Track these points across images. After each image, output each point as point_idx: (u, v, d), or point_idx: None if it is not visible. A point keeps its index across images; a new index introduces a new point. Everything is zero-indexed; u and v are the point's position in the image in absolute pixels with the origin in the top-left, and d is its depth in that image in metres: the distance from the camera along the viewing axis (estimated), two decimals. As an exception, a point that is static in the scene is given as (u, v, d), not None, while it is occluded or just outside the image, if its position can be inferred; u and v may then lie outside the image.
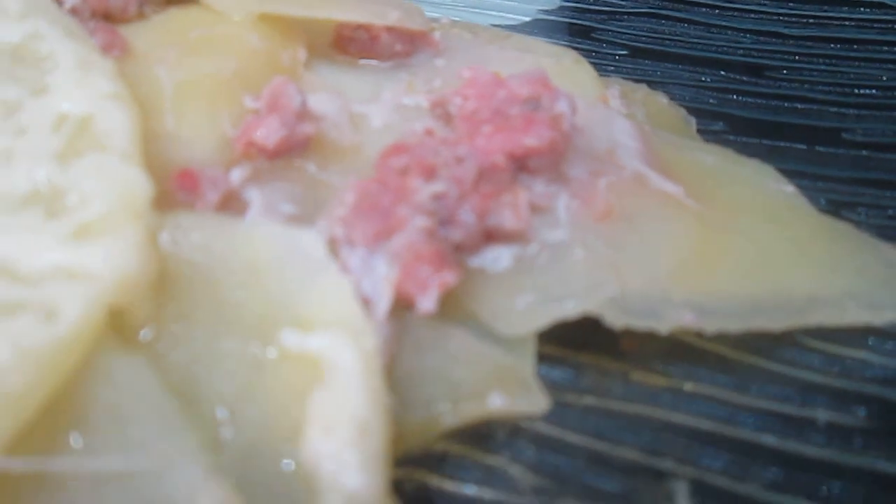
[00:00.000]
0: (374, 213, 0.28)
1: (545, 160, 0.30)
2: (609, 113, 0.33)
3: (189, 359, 0.24)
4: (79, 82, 0.27)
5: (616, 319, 0.27)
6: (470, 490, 0.25)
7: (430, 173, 0.28)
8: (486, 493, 0.25)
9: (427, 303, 0.26)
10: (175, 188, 0.29)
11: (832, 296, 0.28)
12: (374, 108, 0.34)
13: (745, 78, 0.43)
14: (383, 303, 0.26)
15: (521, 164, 0.30)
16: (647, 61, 0.44)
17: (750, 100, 0.42)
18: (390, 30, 0.35)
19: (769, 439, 0.26)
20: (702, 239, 0.30)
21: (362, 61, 0.37)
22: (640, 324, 0.27)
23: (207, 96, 0.31)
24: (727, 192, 0.32)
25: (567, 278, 0.27)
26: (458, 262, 0.27)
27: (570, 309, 0.27)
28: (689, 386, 0.28)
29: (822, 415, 0.27)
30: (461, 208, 0.28)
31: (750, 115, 0.41)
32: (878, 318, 0.29)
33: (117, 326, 0.24)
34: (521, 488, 0.25)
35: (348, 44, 0.36)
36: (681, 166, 0.33)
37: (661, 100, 0.39)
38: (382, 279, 0.27)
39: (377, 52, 0.36)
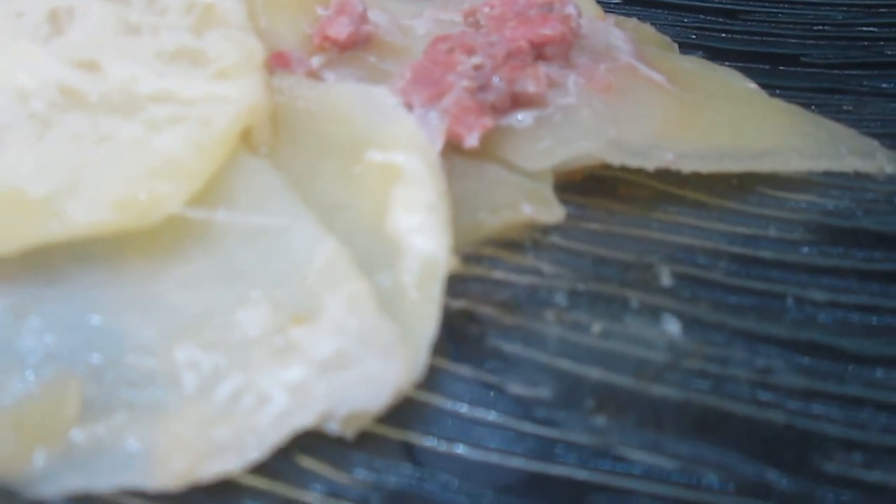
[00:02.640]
0: (428, 82, 0.41)
1: (557, 48, 0.43)
2: (606, 25, 0.47)
3: (297, 173, 0.37)
4: None
5: (614, 158, 0.40)
6: (502, 275, 0.37)
7: (470, 51, 0.41)
8: (519, 279, 0.37)
9: (472, 139, 0.39)
10: (271, 65, 0.41)
11: (780, 148, 0.42)
12: (417, 22, 0.47)
13: (720, 19, 0.57)
14: (438, 143, 0.39)
15: (539, 53, 0.43)
16: (637, 7, 0.57)
17: (724, 34, 0.55)
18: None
19: (733, 248, 0.39)
20: (679, 110, 0.43)
21: (403, -11, 0.50)
22: (633, 162, 0.40)
23: (290, 4, 0.44)
24: (701, 84, 0.46)
25: (577, 128, 0.41)
26: (493, 117, 0.40)
27: (580, 147, 0.40)
28: (673, 217, 0.41)
29: (773, 232, 0.40)
30: (495, 77, 0.41)
31: (724, 45, 0.54)
32: (816, 167, 0.42)
33: (245, 144, 0.37)
34: (544, 274, 0.38)
35: (392, -26, 0.49)
36: (664, 66, 0.46)
37: (648, 28, 0.52)
38: (436, 128, 0.40)
39: None
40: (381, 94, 0.40)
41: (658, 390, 0.33)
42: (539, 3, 0.44)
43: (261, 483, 0.30)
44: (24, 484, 0.29)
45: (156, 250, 0.34)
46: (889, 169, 0.42)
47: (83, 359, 0.32)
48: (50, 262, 0.34)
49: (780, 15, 0.57)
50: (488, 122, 0.40)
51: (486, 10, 0.46)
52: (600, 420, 0.32)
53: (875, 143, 0.43)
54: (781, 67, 0.52)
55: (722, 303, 0.37)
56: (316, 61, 0.43)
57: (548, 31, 0.43)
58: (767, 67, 0.52)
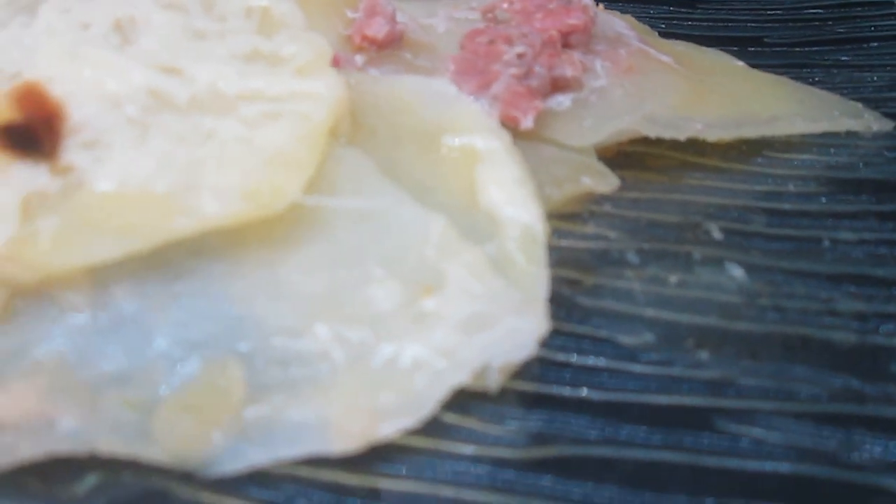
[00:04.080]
0: (474, 72, 0.45)
1: (581, 36, 0.48)
2: (607, 14, 0.52)
3: (379, 161, 0.40)
4: None
5: (650, 131, 0.45)
6: (570, 243, 0.42)
7: (510, 42, 0.46)
8: (589, 245, 0.42)
9: (527, 121, 0.43)
10: (323, 64, 0.44)
11: (785, 114, 0.48)
12: (434, 21, 0.51)
13: (682, 9, 0.63)
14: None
15: (565, 41, 0.48)
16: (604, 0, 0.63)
17: (689, 22, 0.62)
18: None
19: (762, 203, 0.45)
20: (691, 87, 0.49)
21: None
22: (666, 133, 0.46)
23: (322, 8, 0.47)
24: (699, 63, 0.51)
25: (613, 106, 0.46)
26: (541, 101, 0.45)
27: (621, 123, 0.45)
28: (700, 182, 0.46)
29: (792, 187, 0.46)
30: (536, 64, 0.45)
31: (691, 32, 0.60)
32: (817, 128, 0.48)
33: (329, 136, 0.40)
34: (610, 238, 0.42)
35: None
36: (664, 49, 0.52)
37: (630, 18, 0.58)
38: (488, 113, 0.44)
39: None
40: (442, 84, 0.43)
41: (743, 326, 0.38)
42: (557, -4, 0.49)
43: (420, 441, 0.33)
44: (205, 464, 0.31)
45: (271, 239, 0.36)
46: (875, 127, 0.49)
47: (229, 346, 0.34)
48: (171, 260, 0.36)
49: (734, 2, 0.64)
50: (540, 104, 0.44)
51: (506, 5, 0.50)
52: (703, 355, 0.37)
53: (859, 105, 0.50)
54: (750, 49, 0.59)
55: (769, 249, 0.42)
56: (359, 59, 0.47)
57: (573, 20, 0.47)
58: (736, 49, 0.59)
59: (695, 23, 0.63)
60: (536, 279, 0.36)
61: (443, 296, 0.35)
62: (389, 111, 0.42)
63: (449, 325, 0.34)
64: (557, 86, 0.46)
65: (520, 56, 0.45)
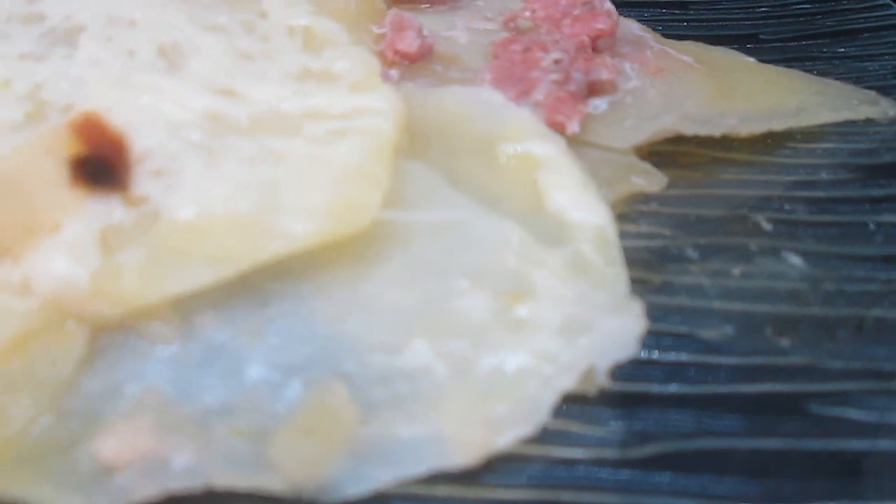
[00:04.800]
0: (513, 79, 0.45)
1: (608, 40, 0.49)
2: (624, 18, 0.53)
3: (441, 171, 0.40)
4: (288, 5, 0.43)
5: (688, 128, 0.46)
6: (628, 243, 0.42)
7: (545, 48, 0.46)
8: (646, 243, 0.42)
9: (573, 126, 0.44)
10: (363, 81, 0.44)
11: (809, 105, 0.50)
12: (455, 33, 0.52)
13: (675, 11, 0.65)
14: (542, 133, 0.44)
15: (593, 46, 0.49)
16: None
17: (685, 23, 0.63)
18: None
19: (800, 193, 0.46)
20: (715, 84, 0.50)
21: (423, 6, 0.54)
22: (703, 130, 0.47)
23: (348, 23, 0.47)
24: (715, 61, 0.53)
25: (651, 106, 0.46)
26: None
27: (661, 122, 0.46)
28: (734, 176, 0.48)
29: (824, 175, 0.48)
30: (573, 69, 0.46)
31: (689, 33, 0.62)
32: (839, 117, 0.50)
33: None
34: (665, 236, 0.43)
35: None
36: (681, 49, 0.53)
37: (634, 22, 0.59)
38: None
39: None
40: (489, 93, 0.43)
41: (815, 311, 0.39)
42: (580, 1, 0.49)
43: (528, 449, 0.33)
44: (326, 490, 0.31)
45: (352, 257, 0.36)
46: (891, 112, 0.51)
47: (329, 367, 0.33)
48: (254, 285, 0.35)
49: (725, 2, 0.66)
50: (584, 108, 0.45)
51: (528, 14, 0.50)
52: (784, 342, 0.38)
53: (874, 93, 0.52)
54: (748, 45, 0.60)
55: (819, 236, 0.43)
56: (394, 73, 0.47)
57: (600, 25, 0.48)
58: (736, 47, 0.60)
59: (690, 24, 0.64)
60: (617, 280, 0.37)
61: (534, 302, 0.35)
62: (442, 123, 0.42)
63: (547, 330, 0.34)
64: (593, 90, 0.47)
65: (556, 62, 0.46)
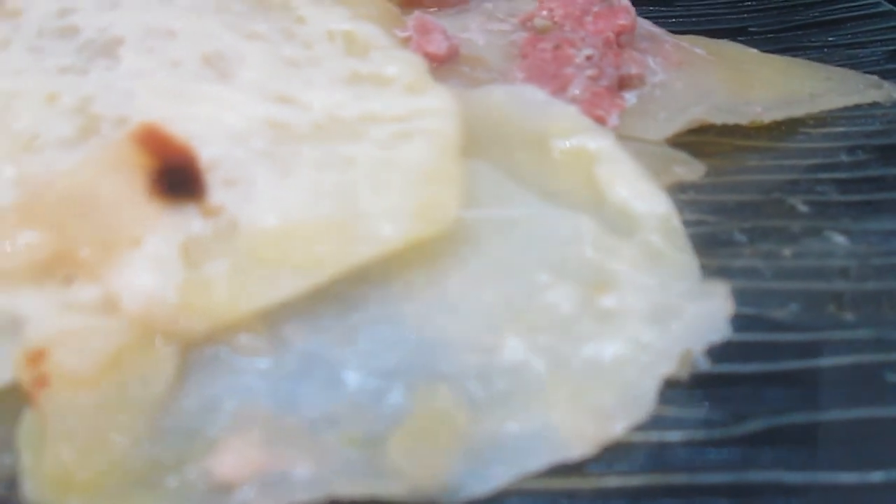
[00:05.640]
0: (546, 77, 0.46)
1: (629, 36, 0.50)
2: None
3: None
4: (324, 11, 0.43)
5: (717, 118, 0.48)
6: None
7: (574, 45, 0.47)
8: (694, 230, 0.43)
9: (613, 119, 0.45)
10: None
11: (821, 92, 0.52)
12: (471, 34, 0.52)
13: (662, 7, 0.67)
14: (582, 128, 0.44)
15: (616, 41, 0.50)
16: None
17: (673, 19, 0.65)
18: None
19: (825, 175, 0.48)
20: (730, 74, 0.51)
21: (431, 10, 0.54)
22: (731, 119, 0.48)
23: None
24: (725, 54, 0.54)
25: (680, 98, 0.47)
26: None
27: (693, 113, 0.47)
28: (759, 163, 0.49)
29: (844, 157, 0.49)
30: (604, 65, 0.47)
31: (679, 29, 0.63)
32: (849, 101, 0.52)
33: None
34: (710, 223, 0.44)
35: (420, -1, 0.53)
36: (691, 43, 0.54)
37: (633, 19, 0.60)
38: None
39: (445, 2, 0.54)
40: (530, 90, 0.44)
41: (871, 286, 0.41)
42: (598, -1, 0.50)
43: (630, 436, 0.34)
44: (448, 492, 0.30)
45: (430, 257, 0.36)
46: (895, 95, 0.53)
47: (427, 370, 0.33)
48: (338, 291, 0.35)
49: (708, -1, 0.68)
50: (622, 102, 0.45)
51: (545, 13, 0.51)
52: (849, 316, 0.39)
53: (875, 77, 0.54)
54: (739, 38, 0.63)
55: (854, 214, 0.45)
56: (426, 76, 0.46)
57: (622, 21, 0.49)
58: (727, 39, 0.62)
59: (677, 19, 0.66)
60: (690, 266, 0.37)
61: (618, 292, 0.35)
62: (490, 122, 0.42)
63: (636, 318, 0.35)
64: (623, 84, 0.48)
65: (588, 58, 0.47)
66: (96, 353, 0.30)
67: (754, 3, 0.67)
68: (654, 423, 0.34)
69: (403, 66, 0.40)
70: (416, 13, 0.49)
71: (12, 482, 0.30)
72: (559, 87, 0.45)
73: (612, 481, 0.32)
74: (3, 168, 0.34)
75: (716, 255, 0.42)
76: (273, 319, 0.33)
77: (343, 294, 0.34)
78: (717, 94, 0.49)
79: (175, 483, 0.29)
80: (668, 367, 0.34)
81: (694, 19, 0.65)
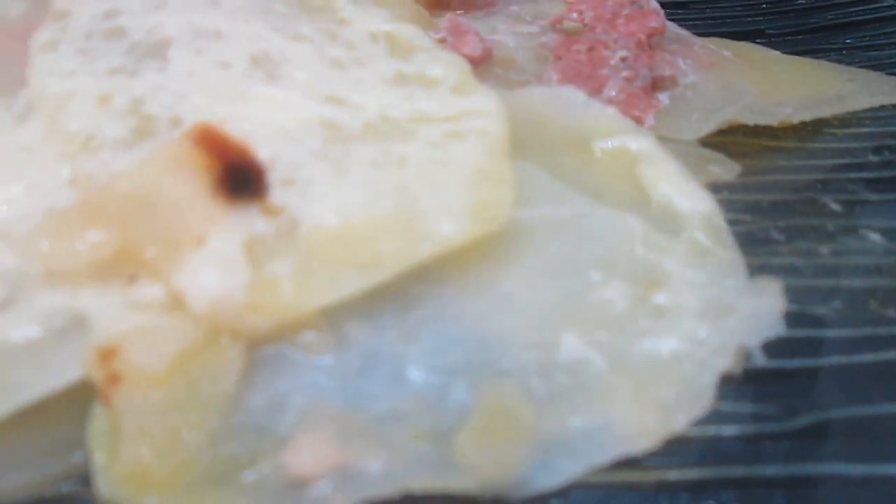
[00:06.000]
0: (582, 78, 0.47)
1: (658, 38, 0.51)
2: (658, 18, 0.55)
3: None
4: (365, 12, 0.43)
5: (749, 119, 0.49)
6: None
7: (608, 47, 0.48)
8: (732, 229, 0.44)
9: (650, 120, 0.46)
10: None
11: (849, 93, 0.52)
12: (500, 36, 0.53)
13: (678, 11, 0.67)
14: (620, 128, 0.45)
15: (648, 43, 0.50)
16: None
17: (689, 22, 0.66)
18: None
19: (855, 174, 0.49)
20: (757, 76, 0.52)
21: (458, 13, 0.55)
22: (762, 120, 0.49)
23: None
24: (749, 56, 0.55)
25: (712, 99, 0.48)
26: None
27: (725, 114, 0.48)
28: (788, 163, 0.50)
29: (872, 157, 0.50)
30: (638, 66, 0.47)
31: (696, 31, 0.64)
32: (875, 102, 0.53)
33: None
34: (747, 221, 0.45)
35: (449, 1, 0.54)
36: (717, 45, 0.55)
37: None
38: None
39: (472, 4, 0.55)
40: (569, 91, 0.44)
41: (909, 281, 0.41)
42: (628, 1, 0.51)
43: (687, 430, 0.34)
44: (517, 485, 0.31)
45: (485, 256, 0.36)
46: (918, 96, 0.54)
47: (488, 366, 0.34)
48: (397, 290, 0.35)
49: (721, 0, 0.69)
50: (657, 103, 0.46)
51: (575, 15, 0.52)
52: (891, 312, 0.40)
53: (896, 78, 0.55)
54: (757, 40, 0.64)
55: (887, 213, 0.46)
56: (462, 78, 0.47)
57: (653, 23, 0.50)
58: (747, 41, 0.63)
59: (694, 22, 0.67)
60: (737, 263, 0.38)
61: (669, 289, 0.36)
62: (532, 122, 0.43)
63: (689, 315, 0.35)
64: (656, 85, 0.49)
65: (623, 59, 0.47)
66: (165, 352, 0.31)
67: (770, 5, 0.68)
68: (710, 417, 0.35)
69: (448, 67, 0.41)
70: (448, 15, 0.49)
71: (85, 479, 0.30)
72: (595, 89, 0.46)
73: (672, 474, 0.33)
74: (61, 169, 0.35)
75: (755, 254, 0.42)
76: (334, 317, 0.34)
77: (401, 292, 0.35)
78: (747, 95, 0.49)
79: (251, 479, 0.29)
80: (724, 362, 0.34)
81: (710, 22, 0.66)
